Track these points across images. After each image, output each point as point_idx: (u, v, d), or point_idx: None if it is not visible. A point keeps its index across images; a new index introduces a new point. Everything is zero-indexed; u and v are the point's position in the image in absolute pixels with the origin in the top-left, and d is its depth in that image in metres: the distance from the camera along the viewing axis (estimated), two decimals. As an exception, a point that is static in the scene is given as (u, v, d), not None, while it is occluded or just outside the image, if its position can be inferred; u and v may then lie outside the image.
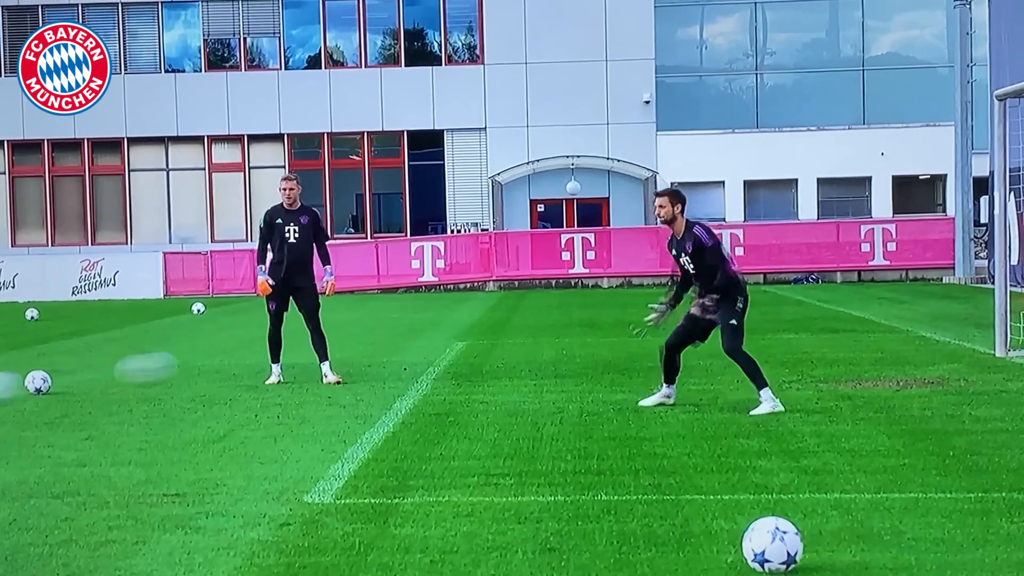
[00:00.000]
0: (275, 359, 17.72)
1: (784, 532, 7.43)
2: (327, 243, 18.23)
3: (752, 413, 13.46)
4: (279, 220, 17.71)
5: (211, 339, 26.53)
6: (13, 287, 45.90)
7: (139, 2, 50.38)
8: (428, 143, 50.12)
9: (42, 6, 50.24)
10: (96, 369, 20.40)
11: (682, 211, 13.99)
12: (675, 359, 14.35)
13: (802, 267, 45.24)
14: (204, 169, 50.49)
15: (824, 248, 45.45)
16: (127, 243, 50.07)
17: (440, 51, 50.38)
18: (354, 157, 50.60)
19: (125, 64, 50.48)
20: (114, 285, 46.04)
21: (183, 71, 50.71)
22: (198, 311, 35.31)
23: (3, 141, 50.47)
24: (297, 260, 17.69)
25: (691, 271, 14.04)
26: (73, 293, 45.84)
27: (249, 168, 50.27)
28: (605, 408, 14.27)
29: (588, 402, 14.82)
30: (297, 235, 17.64)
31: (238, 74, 50.32)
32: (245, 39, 50.54)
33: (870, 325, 25.51)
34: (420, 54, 50.58)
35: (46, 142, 50.41)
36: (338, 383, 17.40)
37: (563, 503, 9.48)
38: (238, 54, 50.70)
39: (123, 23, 50.44)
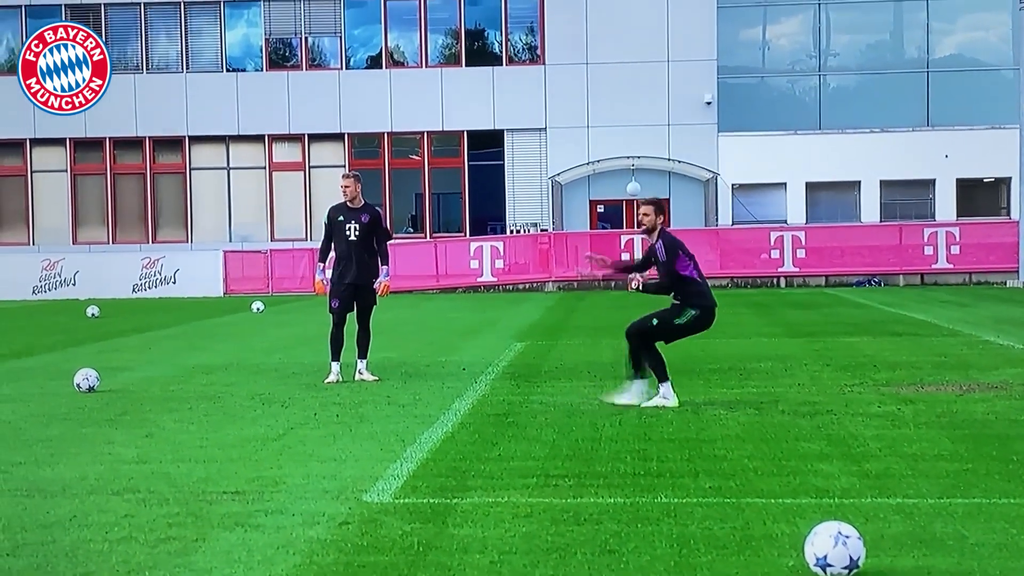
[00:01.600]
0: (335, 357, 17.75)
1: (847, 536, 7.37)
2: (388, 243, 18.30)
3: (618, 399, 14.36)
4: (340, 217, 17.81)
5: (270, 337, 26.62)
6: (74, 284, 46.23)
7: (201, 1, 50.61)
8: (488, 143, 50.12)
9: (105, 4, 50.56)
10: (156, 366, 20.51)
11: (663, 222, 14.52)
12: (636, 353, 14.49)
13: (864, 270, 45.02)
14: (264, 168, 50.68)
15: (887, 251, 45.20)
16: (187, 241, 50.33)
17: (501, 51, 50.37)
18: (414, 157, 50.67)
19: (187, 63, 50.75)
20: (174, 283, 46.30)
21: (244, 70, 50.91)
22: (257, 309, 35.45)
23: (65, 139, 50.81)
24: (357, 258, 17.74)
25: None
26: (134, 290, 46.13)
27: (309, 167, 50.43)
28: (664, 410, 14.19)
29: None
30: (357, 233, 17.70)
31: (299, 73, 50.49)
32: (306, 39, 50.69)
33: (932, 328, 25.33)
34: (481, 54, 50.60)
35: (107, 140, 50.71)
36: (375, 381, 17.52)
37: (622, 505, 9.43)
38: (299, 53, 50.85)
39: (185, 22, 50.69)
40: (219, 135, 50.54)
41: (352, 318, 17.85)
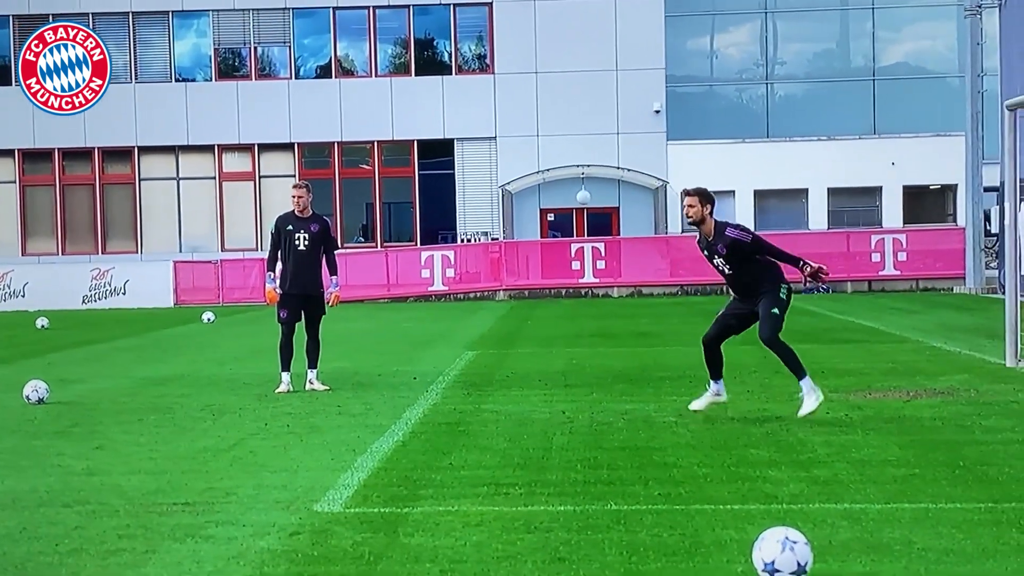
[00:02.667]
0: (285, 368, 17.74)
1: (794, 542, 7.40)
2: (336, 253, 18.31)
3: (801, 414, 13.53)
4: (289, 227, 17.77)
5: (221, 348, 26.54)
6: (23, 296, 45.94)
7: (150, 11, 50.43)
8: (438, 152, 50.14)
9: (53, 15, 50.33)
10: (107, 378, 20.43)
11: (711, 212, 13.83)
12: (715, 353, 14.10)
13: (812, 277, 45.14)
14: (214, 178, 50.54)
15: (834, 258, 45.31)
16: (137, 252, 50.12)
17: (450, 60, 50.42)
18: (364, 166, 50.64)
19: (136, 73, 50.55)
20: (124, 294, 46.07)
21: (194, 80, 50.76)
22: (208, 320, 35.33)
23: (14, 150, 50.52)
24: (306, 267, 17.73)
25: (726, 272, 13.89)
26: (83, 302, 45.87)
27: (259, 177, 50.32)
28: (615, 418, 14.25)
29: (598, 412, 14.80)
30: (307, 242, 17.69)
31: (249, 83, 50.37)
32: (256, 48, 50.59)
33: (881, 335, 25.49)
34: (430, 63, 50.62)
35: (57, 151, 50.47)
36: (326, 390, 17.51)
37: (573, 513, 9.47)
38: (249, 63, 50.74)
39: (134, 32, 50.50)
40: (169, 145, 50.36)
41: (301, 328, 17.84)
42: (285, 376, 17.70)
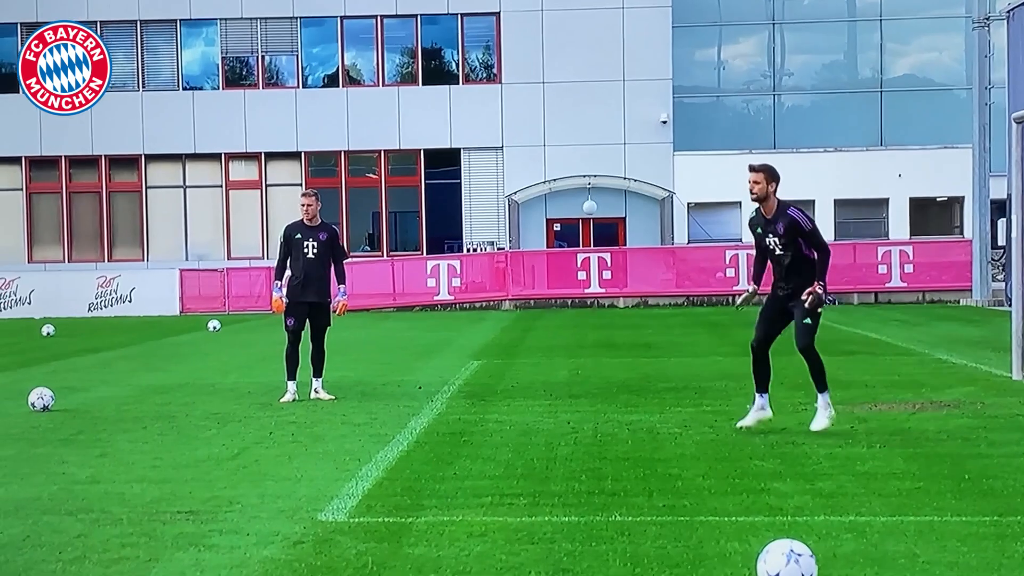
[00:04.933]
0: (291, 376, 17.73)
1: (799, 555, 7.39)
2: (344, 262, 18.31)
3: (813, 428, 13.54)
4: (298, 235, 17.81)
5: (226, 356, 26.54)
6: (29, 303, 45.97)
7: (158, 20, 50.48)
8: (445, 161, 50.15)
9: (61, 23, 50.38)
10: (111, 386, 20.44)
11: (775, 190, 13.68)
12: (764, 362, 13.91)
13: (818, 288, 45.07)
14: (221, 186, 50.57)
15: (841, 269, 45.17)
16: (143, 260, 50.14)
17: (458, 70, 50.43)
18: (371, 175, 50.64)
19: (143, 81, 50.59)
20: (130, 302, 46.09)
21: (201, 88, 50.79)
22: (213, 328, 35.33)
23: (20, 157, 50.54)
24: (315, 276, 17.76)
25: (777, 252, 13.64)
26: (89, 309, 45.90)
27: (266, 185, 50.33)
28: (619, 429, 14.24)
29: (602, 422, 14.79)
30: (316, 251, 17.72)
31: (256, 92, 50.41)
32: (263, 57, 50.63)
33: (886, 347, 25.45)
34: (437, 73, 50.63)
35: (63, 158, 50.51)
36: (331, 400, 17.52)
37: (576, 524, 9.46)
38: (256, 72, 50.77)
39: (142, 40, 50.55)
40: (175, 153, 50.39)
41: (307, 336, 17.84)
42: (291, 385, 17.70)
